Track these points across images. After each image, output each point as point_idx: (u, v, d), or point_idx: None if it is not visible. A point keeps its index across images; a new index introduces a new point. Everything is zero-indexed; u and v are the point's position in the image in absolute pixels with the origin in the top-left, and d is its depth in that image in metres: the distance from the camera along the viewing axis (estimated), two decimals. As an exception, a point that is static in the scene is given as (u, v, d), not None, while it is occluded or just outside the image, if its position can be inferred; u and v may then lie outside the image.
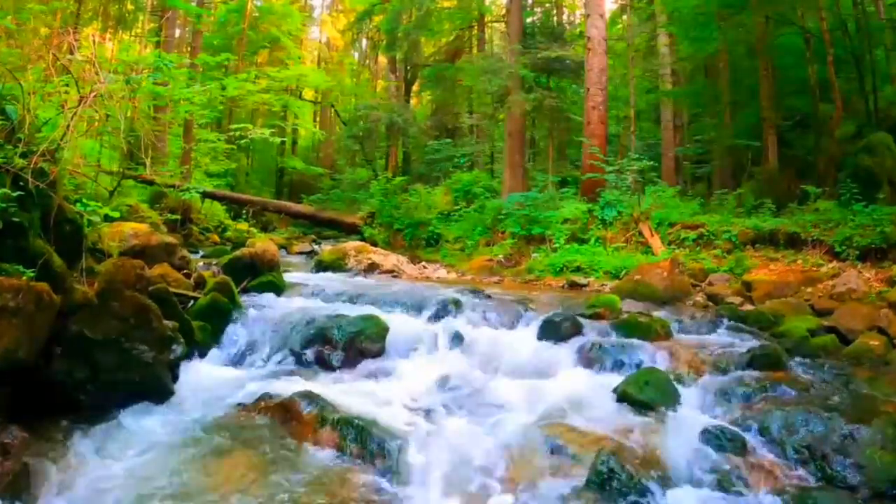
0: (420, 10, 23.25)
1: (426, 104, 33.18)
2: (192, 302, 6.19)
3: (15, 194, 3.98)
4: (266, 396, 4.51)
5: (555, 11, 25.47)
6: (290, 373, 5.42)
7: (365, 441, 3.88)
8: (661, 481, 3.54)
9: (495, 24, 28.19)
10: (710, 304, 8.32)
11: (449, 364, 5.63)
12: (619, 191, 12.88)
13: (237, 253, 8.07)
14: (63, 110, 5.32)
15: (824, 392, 4.94)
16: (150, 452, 3.78)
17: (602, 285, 9.74)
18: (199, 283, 6.75)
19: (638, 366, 5.49)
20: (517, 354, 5.91)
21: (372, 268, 11.13)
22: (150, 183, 14.60)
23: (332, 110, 33.40)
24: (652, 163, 14.29)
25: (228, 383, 5.11)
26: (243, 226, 17.34)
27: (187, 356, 5.09)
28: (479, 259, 12.58)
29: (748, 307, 7.93)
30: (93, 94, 5.28)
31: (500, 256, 12.44)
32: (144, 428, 4.13)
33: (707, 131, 18.50)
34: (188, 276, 6.97)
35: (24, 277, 3.81)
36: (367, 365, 5.60)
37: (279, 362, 5.71)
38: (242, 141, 16.52)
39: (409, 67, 28.55)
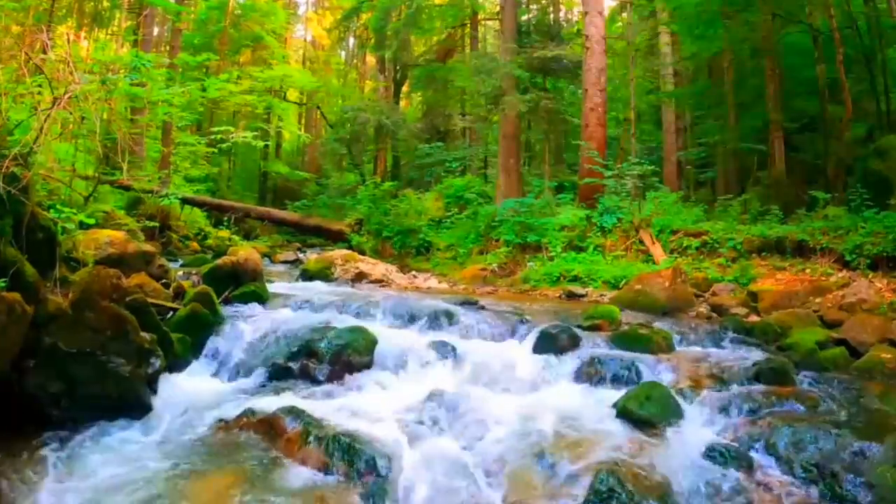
0: (410, 8, 23.37)
1: (417, 106, 33.28)
2: (171, 313, 6.19)
3: (-15, 200, 3.98)
4: (249, 412, 4.51)
5: (551, 9, 25.62)
6: (274, 387, 5.41)
7: (352, 458, 3.89)
8: (663, 501, 3.56)
9: (489, 22, 28.36)
10: (714, 315, 8.37)
11: (440, 378, 5.63)
12: (619, 196, 12.94)
13: (218, 262, 8.06)
14: (36, 112, 5.33)
15: (834, 407, 4.97)
16: (126, 470, 3.77)
17: (601, 295, 9.78)
18: (179, 294, 6.76)
19: (638, 380, 5.52)
20: (512, 368, 5.93)
21: (359, 277, 11.14)
22: (127, 188, 14.60)
23: (318, 112, 33.35)
24: (653, 167, 14.38)
25: (209, 398, 5.11)
26: (225, 233, 17.26)
27: (166, 369, 5.08)
28: (472, 268, 12.62)
29: (754, 318, 7.98)
30: (67, 96, 5.30)
31: (494, 265, 12.46)
32: (121, 444, 4.13)
33: (711, 134, 18.59)
34: (167, 285, 6.97)
35: (-5, 287, 3.81)
36: (355, 379, 5.58)
37: (262, 376, 5.67)
38: (224, 144, 16.54)
39: (398, 67, 28.59)
